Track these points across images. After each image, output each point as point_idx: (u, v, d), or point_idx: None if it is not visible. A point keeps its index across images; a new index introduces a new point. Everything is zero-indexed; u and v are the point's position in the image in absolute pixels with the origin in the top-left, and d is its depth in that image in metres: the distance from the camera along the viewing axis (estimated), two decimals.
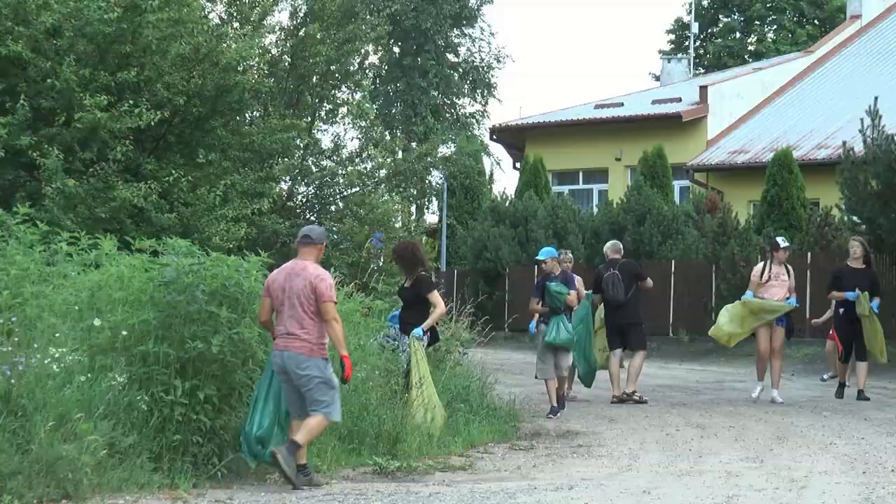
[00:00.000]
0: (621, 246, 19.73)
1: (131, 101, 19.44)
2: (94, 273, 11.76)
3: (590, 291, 18.81)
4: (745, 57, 60.95)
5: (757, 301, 18.42)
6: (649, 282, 19.26)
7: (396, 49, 59.31)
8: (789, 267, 18.73)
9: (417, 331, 13.79)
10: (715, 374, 23.89)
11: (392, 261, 17.51)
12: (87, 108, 18.96)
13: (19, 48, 19.13)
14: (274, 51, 24.71)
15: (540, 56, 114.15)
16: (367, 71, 31.07)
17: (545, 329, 16.82)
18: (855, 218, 25.06)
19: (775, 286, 18.40)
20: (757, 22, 63.19)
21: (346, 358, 11.07)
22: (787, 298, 18.45)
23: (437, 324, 14.38)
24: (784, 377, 19.28)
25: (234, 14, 24.39)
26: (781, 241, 18.71)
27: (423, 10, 57.74)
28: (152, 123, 19.47)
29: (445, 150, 50.10)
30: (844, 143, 25.04)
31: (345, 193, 25.50)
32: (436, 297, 14.19)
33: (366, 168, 26.01)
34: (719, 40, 63.59)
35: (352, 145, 26.63)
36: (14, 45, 19.08)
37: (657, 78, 56.02)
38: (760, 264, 18.85)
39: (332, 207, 25.51)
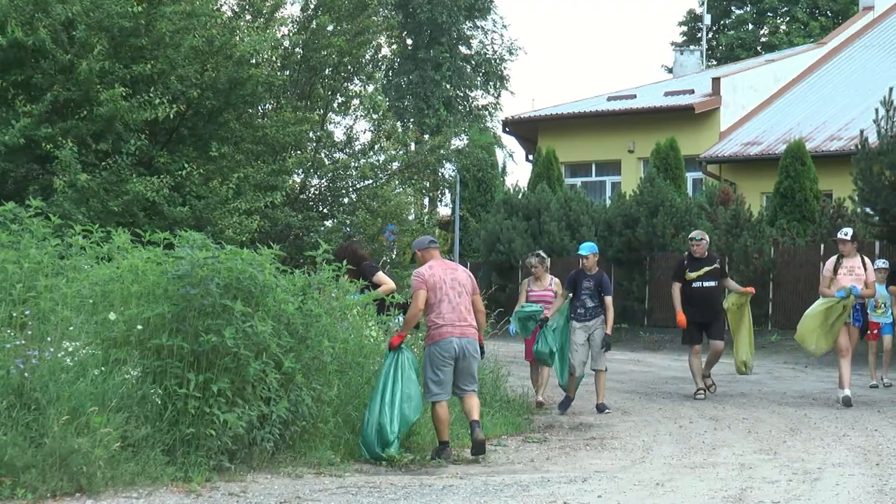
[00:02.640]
0: (699, 238, 18.89)
1: (148, 93, 19.46)
2: (108, 266, 11.75)
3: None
4: (758, 49, 60.86)
5: (824, 306, 17.17)
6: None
7: (409, 41, 59.24)
8: (866, 259, 17.61)
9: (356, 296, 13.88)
10: (728, 367, 23.79)
11: (411, 254, 17.74)
12: (106, 100, 18.98)
13: (42, 35, 19.10)
14: (286, 43, 24.68)
15: (552, 48, 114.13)
16: (380, 64, 31.03)
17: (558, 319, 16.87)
18: (868, 209, 25.01)
19: (850, 279, 17.17)
20: (769, 14, 63.11)
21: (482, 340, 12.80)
22: (852, 286, 17.10)
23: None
24: (797, 369, 19.20)
25: (247, 7, 24.37)
26: (839, 234, 17.61)
27: (438, 2, 57.68)
28: (170, 115, 19.50)
29: (458, 142, 50.08)
30: (862, 131, 24.92)
31: (357, 186, 25.47)
32: (381, 277, 14.95)
33: (378, 160, 25.97)
34: (732, 32, 63.51)
35: (364, 138, 26.63)
36: (38, 34, 19.05)
37: (670, 70, 56.02)
38: (833, 258, 17.58)
39: (345, 200, 25.47)
